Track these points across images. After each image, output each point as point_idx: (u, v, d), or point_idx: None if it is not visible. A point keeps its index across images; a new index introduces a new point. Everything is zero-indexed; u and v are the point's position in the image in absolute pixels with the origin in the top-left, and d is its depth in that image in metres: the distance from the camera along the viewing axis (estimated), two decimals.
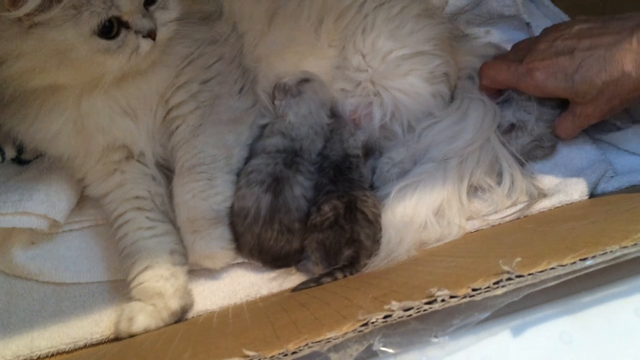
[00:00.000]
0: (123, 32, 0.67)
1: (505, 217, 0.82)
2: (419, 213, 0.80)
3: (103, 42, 0.66)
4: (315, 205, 0.78)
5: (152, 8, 0.70)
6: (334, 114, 0.89)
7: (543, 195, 0.83)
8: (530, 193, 0.83)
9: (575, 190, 0.82)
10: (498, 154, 0.85)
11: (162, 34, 0.71)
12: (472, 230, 0.81)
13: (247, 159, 0.83)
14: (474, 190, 0.85)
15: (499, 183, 0.84)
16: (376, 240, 0.74)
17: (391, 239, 0.75)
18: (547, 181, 0.86)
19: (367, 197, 0.78)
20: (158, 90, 0.77)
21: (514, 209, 0.82)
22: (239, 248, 0.78)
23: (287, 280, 0.78)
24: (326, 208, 0.76)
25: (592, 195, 0.82)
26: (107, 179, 0.79)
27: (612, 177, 0.83)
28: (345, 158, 0.84)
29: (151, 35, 0.69)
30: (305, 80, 0.86)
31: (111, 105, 0.75)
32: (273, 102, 0.87)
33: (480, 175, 0.84)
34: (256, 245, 0.76)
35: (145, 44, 0.69)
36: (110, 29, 0.66)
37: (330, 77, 0.90)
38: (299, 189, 0.79)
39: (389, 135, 0.90)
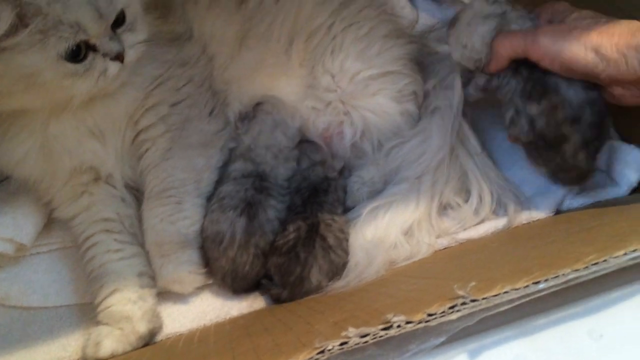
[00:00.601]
0: (91, 55, 0.67)
1: (476, 233, 0.83)
2: (389, 234, 0.81)
3: (70, 66, 0.66)
4: (283, 225, 0.79)
5: (119, 30, 0.70)
6: (303, 140, 0.89)
7: (521, 204, 0.84)
8: (506, 203, 0.84)
9: (542, 206, 0.83)
10: (466, 170, 0.86)
11: (130, 56, 0.71)
12: (441, 248, 0.82)
13: (217, 183, 0.83)
14: (444, 208, 0.86)
15: (467, 200, 0.85)
16: (332, 270, 0.75)
17: (360, 262, 0.76)
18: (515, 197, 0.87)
19: (333, 221, 0.79)
20: (127, 111, 0.77)
21: (484, 227, 0.83)
22: (212, 274, 0.77)
23: (257, 300, 0.79)
24: (290, 228, 0.77)
25: (558, 211, 0.83)
26: (75, 202, 0.79)
27: (577, 194, 0.85)
28: (324, 179, 0.85)
29: (119, 57, 0.69)
30: (258, 104, 0.87)
31: (79, 128, 0.75)
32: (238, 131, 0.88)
33: (449, 194, 0.85)
34: (231, 271, 0.76)
35: (113, 67, 0.69)
36: (77, 53, 0.66)
37: (302, 96, 0.91)
38: (273, 211, 0.80)
39: (359, 153, 0.91)
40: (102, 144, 0.77)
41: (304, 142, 0.89)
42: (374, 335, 0.46)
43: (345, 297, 0.66)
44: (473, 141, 0.89)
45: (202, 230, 0.78)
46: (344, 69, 0.89)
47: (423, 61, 0.98)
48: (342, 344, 0.46)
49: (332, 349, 0.46)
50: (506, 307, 0.48)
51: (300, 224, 0.77)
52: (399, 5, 1.04)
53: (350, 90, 0.89)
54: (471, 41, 0.80)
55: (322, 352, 0.46)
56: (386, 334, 0.46)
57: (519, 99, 0.79)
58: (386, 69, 0.90)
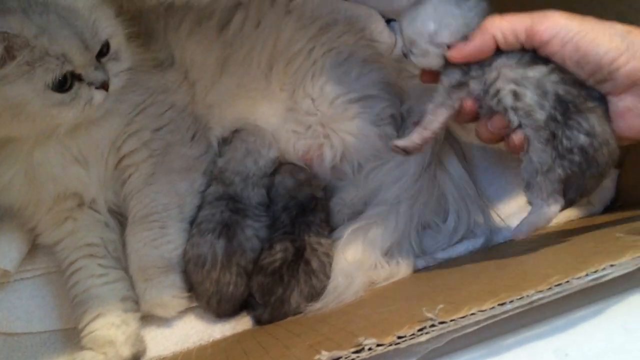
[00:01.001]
0: (76, 85, 0.69)
1: (454, 253, 0.85)
2: (369, 255, 0.82)
3: (57, 96, 0.67)
4: (269, 242, 0.81)
5: (104, 60, 0.72)
6: (285, 162, 0.91)
7: (498, 223, 0.86)
8: (484, 223, 0.86)
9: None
10: (444, 190, 0.88)
11: (115, 84, 0.73)
12: (421, 268, 0.84)
13: (199, 208, 0.84)
14: (423, 228, 0.88)
15: (445, 220, 0.87)
16: (312, 294, 0.77)
17: (339, 285, 0.78)
18: (494, 216, 0.89)
19: (319, 245, 0.81)
20: (110, 137, 0.79)
21: (462, 246, 0.85)
22: (197, 299, 0.79)
23: (240, 322, 0.80)
24: (277, 247, 0.79)
25: None
26: (59, 227, 0.80)
27: None
28: (312, 199, 0.86)
29: (104, 86, 0.71)
30: (236, 130, 0.89)
31: (63, 154, 0.76)
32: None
33: (428, 214, 0.87)
34: (215, 292, 0.77)
35: (99, 95, 0.71)
36: (64, 83, 0.68)
37: (282, 119, 0.92)
38: (250, 230, 0.82)
39: (339, 175, 0.92)
40: (86, 170, 0.78)
41: (286, 164, 0.91)
42: (345, 358, 0.48)
43: (323, 318, 0.68)
44: (453, 162, 0.91)
45: (184, 254, 0.80)
46: (324, 93, 0.91)
47: (401, 84, 1.00)
48: None
49: None
50: (474, 328, 0.49)
51: (288, 245, 0.79)
52: (377, 30, 1.06)
53: (330, 113, 0.91)
54: (443, 22, 0.63)
55: None
56: (358, 356, 0.48)
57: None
58: (365, 93, 0.92)
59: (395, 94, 0.96)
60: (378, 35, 1.07)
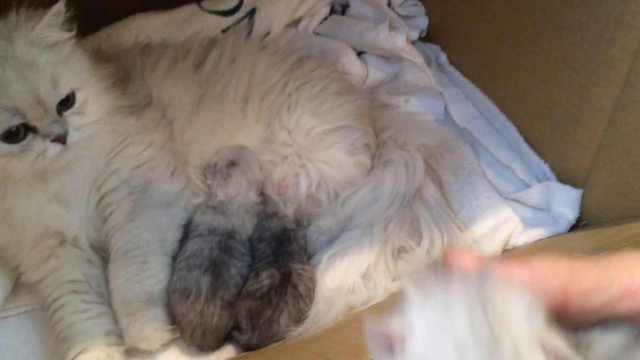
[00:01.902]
0: (30, 136, 0.69)
1: None
2: (347, 278, 0.85)
3: (5, 147, 0.68)
4: (254, 272, 0.82)
5: (66, 113, 0.73)
6: (262, 192, 0.94)
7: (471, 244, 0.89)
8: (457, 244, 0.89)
9: (489, 247, 0.89)
10: (417, 214, 0.91)
11: (74, 137, 0.73)
12: (398, 291, 0.86)
13: (183, 239, 0.86)
14: (398, 251, 0.90)
15: (419, 243, 0.90)
16: (299, 317, 0.78)
17: (320, 311, 0.80)
18: (467, 237, 0.92)
19: (304, 271, 0.83)
20: (89, 178, 0.80)
21: None
22: (181, 332, 0.80)
23: (223, 352, 0.81)
24: (264, 275, 0.81)
25: (504, 249, 0.89)
26: (42, 265, 0.81)
27: (521, 232, 0.90)
28: (284, 230, 0.88)
29: (60, 139, 0.72)
30: (233, 164, 0.91)
31: (37, 197, 0.77)
32: (205, 181, 0.92)
33: (403, 237, 0.90)
34: (199, 324, 0.78)
35: (53, 148, 0.71)
36: (16, 134, 0.68)
37: (258, 149, 0.96)
38: (235, 269, 0.84)
39: (316, 203, 0.95)
40: (66, 209, 0.80)
41: None
42: None
43: (302, 345, 0.70)
44: (429, 187, 0.95)
45: (170, 286, 0.81)
46: (299, 124, 0.95)
47: (375, 114, 1.04)
48: None
49: None
50: None
51: (274, 272, 0.81)
52: (348, 64, 1.11)
53: (306, 144, 0.94)
54: None
55: None
56: None
57: None
58: (339, 123, 0.96)
59: (369, 124, 1.00)
60: (350, 67, 1.11)
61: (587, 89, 0.86)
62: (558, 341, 0.27)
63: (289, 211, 0.92)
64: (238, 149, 0.94)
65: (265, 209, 0.91)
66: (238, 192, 0.90)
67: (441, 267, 0.32)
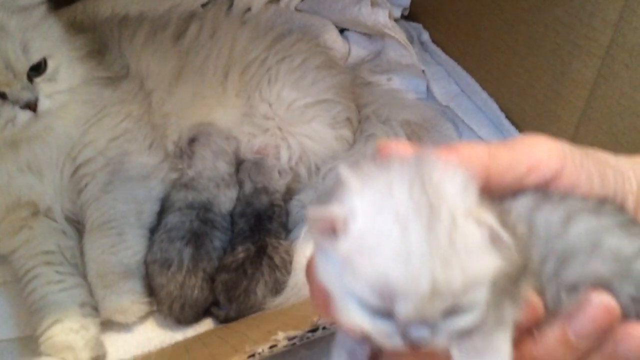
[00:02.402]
0: None
1: None
2: None
3: None
4: (231, 246, 0.82)
5: (37, 79, 0.71)
6: (245, 160, 0.92)
7: None
8: None
9: None
10: None
11: (45, 105, 0.71)
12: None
13: (161, 212, 0.85)
14: None
15: None
16: (276, 287, 0.78)
17: (299, 281, 0.79)
18: None
19: (280, 245, 0.82)
20: (62, 148, 0.78)
21: None
22: (159, 304, 0.78)
23: (202, 323, 0.80)
24: (239, 248, 0.80)
25: None
26: (14, 236, 0.79)
27: None
28: (270, 207, 0.87)
29: (30, 106, 0.70)
30: (192, 140, 0.90)
31: (7, 166, 0.75)
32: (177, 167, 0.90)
33: None
34: (179, 297, 0.76)
35: (23, 115, 0.70)
36: None
37: (238, 123, 0.94)
38: (218, 241, 0.83)
39: (297, 178, 0.94)
40: (39, 179, 0.78)
41: (246, 162, 0.92)
42: (301, 337, 0.49)
43: (281, 311, 0.69)
44: None
45: (150, 256, 0.79)
46: (280, 97, 0.94)
47: (357, 91, 1.03)
48: (271, 347, 0.49)
49: (262, 351, 0.48)
50: None
51: (250, 246, 0.80)
52: (330, 40, 1.10)
53: (287, 117, 0.93)
54: None
55: (253, 355, 0.48)
56: (313, 335, 0.49)
57: None
58: (320, 97, 0.95)
59: (350, 99, 0.99)
60: (332, 44, 1.11)
61: (569, 63, 0.86)
62: (490, 217, 0.29)
63: (282, 182, 0.91)
64: (196, 126, 0.92)
65: (255, 183, 0.89)
66: (205, 165, 0.88)
67: (378, 156, 0.34)
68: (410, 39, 1.14)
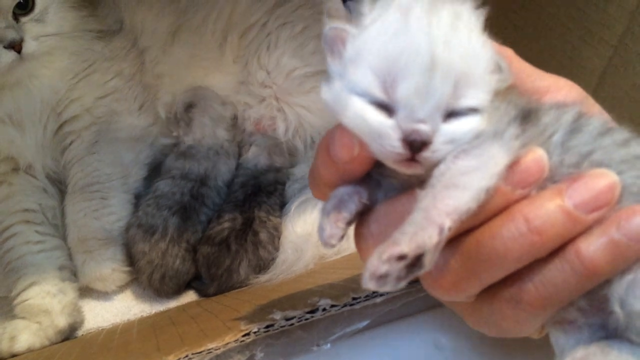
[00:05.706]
0: None
1: None
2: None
3: None
4: (218, 212, 0.79)
5: (24, 19, 0.68)
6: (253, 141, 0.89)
7: None
8: None
9: None
10: None
11: (31, 47, 0.69)
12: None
13: (149, 178, 0.82)
14: None
15: None
16: (260, 265, 0.75)
17: (288, 258, 0.76)
18: None
19: (268, 220, 0.79)
20: (47, 102, 0.75)
21: None
22: (138, 272, 0.75)
23: (183, 294, 0.77)
24: (225, 217, 0.77)
25: None
26: None
27: None
28: (273, 183, 0.84)
29: (14, 46, 0.67)
30: (190, 106, 0.86)
31: None
32: (172, 134, 0.87)
33: None
34: (159, 266, 0.73)
35: (7, 56, 0.67)
36: None
37: (234, 91, 0.91)
38: (205, 217, 0.80)
39: (292, 151, 0.91)
40: (20, 133, 0.74)
41: (263, 138, 0.89)
42: (299, 318, 0.47)
43: (273, 287, 0.66)
44: None
45: (134, 220, 0.76)
46: (279, 65, 0.90)
47: None
48: (267, 327, 0.46)
49: (258, 331, 0.46)
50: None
51: (237, 215, 0.77)
52: (333, 8, 1.06)
53: (286, 86, 0.90)
54: None
55: (248, 334, 0.46)
56: (312, 317, 0.47)
57: None
58: (321, 67, 0.91)
59: None
60: (335, 13, 1.06)
61: (579, 50, 0.83)
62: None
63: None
64: (192, 90, 0.88)
65: (273, 162, 0.86)
66: (204, 133, 0.84)
67: None
68: None
